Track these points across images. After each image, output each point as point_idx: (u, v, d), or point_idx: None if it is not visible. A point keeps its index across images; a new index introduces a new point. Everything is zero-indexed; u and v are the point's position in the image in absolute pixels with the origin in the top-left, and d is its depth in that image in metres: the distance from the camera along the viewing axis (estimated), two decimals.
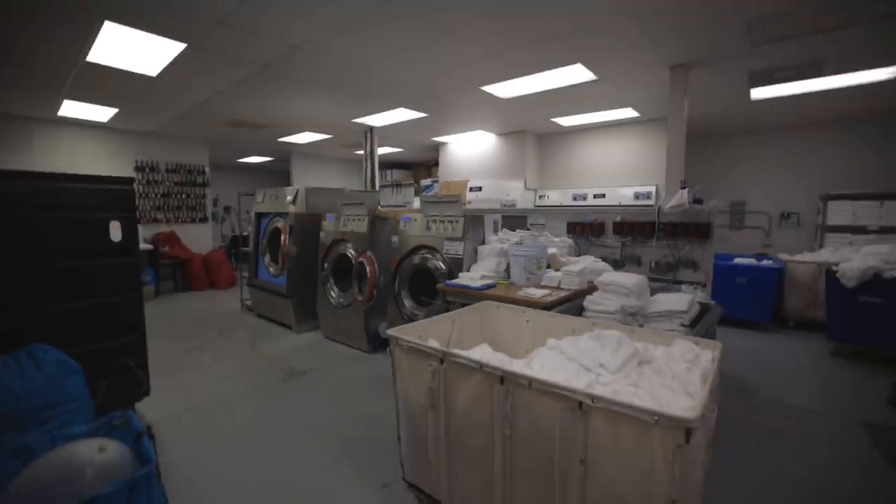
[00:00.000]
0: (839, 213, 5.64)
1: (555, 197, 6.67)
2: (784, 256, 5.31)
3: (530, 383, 1.32)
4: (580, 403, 1.23)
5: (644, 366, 1.53)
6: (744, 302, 4.96)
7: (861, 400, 3.11)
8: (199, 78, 4.31)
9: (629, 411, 1.14)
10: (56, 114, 5.68)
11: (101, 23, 3.07)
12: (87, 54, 3.61)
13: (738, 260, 5.36)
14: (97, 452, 0.91)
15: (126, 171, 6.91)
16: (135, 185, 2.55)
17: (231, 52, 3.61)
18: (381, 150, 8.37)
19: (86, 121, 6.16)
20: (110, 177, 2.38)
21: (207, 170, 7.92)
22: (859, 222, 5.45)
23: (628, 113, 5.62)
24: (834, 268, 4.11)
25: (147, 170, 7.15)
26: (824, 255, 5.06)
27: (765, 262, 5.23)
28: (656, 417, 1.10)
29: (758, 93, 4.52)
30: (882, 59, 3.67)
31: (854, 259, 4.08)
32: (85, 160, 6.52)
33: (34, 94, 4.89)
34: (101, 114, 5.70)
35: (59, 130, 6.26)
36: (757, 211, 6.55)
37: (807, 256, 5.16)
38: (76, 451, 0.91)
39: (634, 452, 1.16)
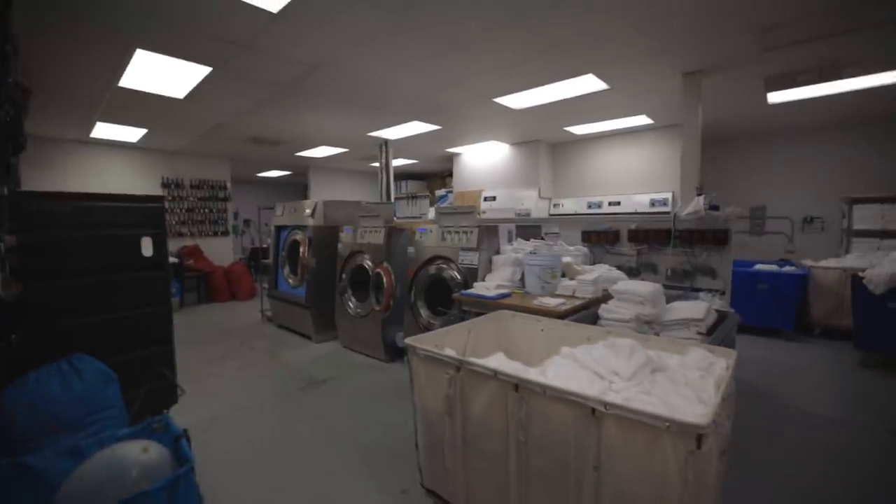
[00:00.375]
0: (866, 216, 5.48)
1: (569, 205, 6.65)
2: (808, 262, 5.18)
3: (544, 391, 1.35)
4: (593, 410, 1.26)
5: (658, 374, 1.55)
6: (766, 309, 4.85)
7: (891, 410, 3.01)
8: (223, 99, 4.51)
9: (641, 418, 1.17)
10: (89, 135, 5.99)
11: (134, 50, 3.27)
12: (119, 80, 3.83)
13: (758, 266, 5.26)
14: (141, 453, 0.98)
15: (153, 187, 7.22)
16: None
17: (253, 73, 3.79)
18: (396, 162, 8.53)
19: (116, 141, 6.47)
20: (142, 196, 2.52)
21: (229, 185, 8.19)
22: (888, 226, 5.29)
23: (642, 120, 5.62)
24: (861, 274, 4.00)
25: (172, 186, 7.44)
26: (850, 260, 4.93)
27: (787, 269, 5.11)
28: (668, 424, 1.13)
29: (775, 97, 4.48)
30: None
31: (882, 264, 3.96)
32: (115, 178, 6.83)
33: (69, 118, 5.18)
34: (132, 134, 5.99)
35: (91, 150, 6.60)
36: (778, 216, 6.41)
37: (832, 262, 5.03)
38: (123, 451, 0.99)
39: (647, 459, 1.18)
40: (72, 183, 6.39)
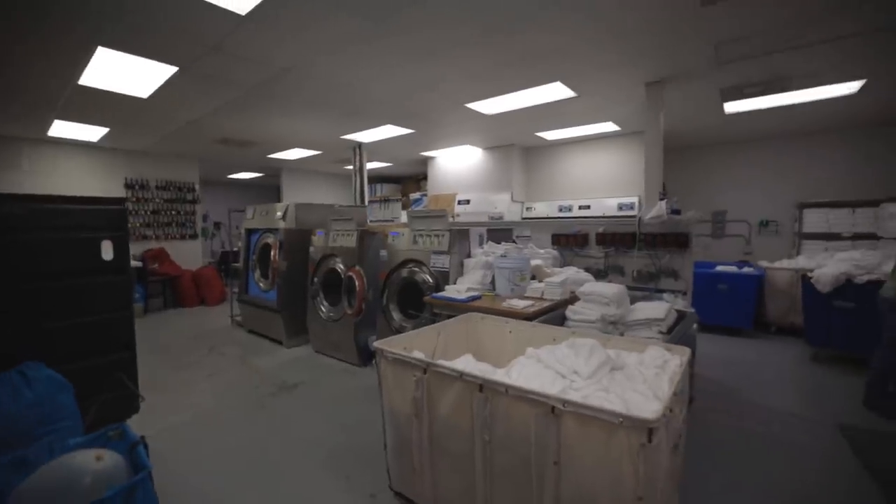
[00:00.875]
0: (814, 220, 5.84)
1: (541, 208, 6.81)
2: (764, 263, 5.47)
3: (507, 390, 1.40)
4: (553, 408, 1.31)
5: (616, 372, 1.62)
6: (726, 309, 5.09)
7: (838, 403, 3.21)
8: (190, 99, 4.40)
9: (597, 414, 1.23)
10: (46, 134, 5.72)
11: (95, 48, 3.16)
12: (79, 78, 3.69)
13: (719, 268, 5.51)
14: (95, 461, 0.96)
15: (116, 188, 6.94)
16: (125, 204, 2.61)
17: (223, 74, 3.71)
18: (371, 165, 8.49)
19: (76, 140, 6.20)
20: (103, 197, 2.44)
21: (197, 186, 7.96)
22: (833, 229, 5.65)
23: (609, 127, 5.81)
24: (809, 274, 4.25)
25: (137, 187, 7.18)
26: (801, 261, 5.23)
27: (745, 270, 5.38)
28: (621, 419, 1.19)
29: (730, 107, 4.73)
30: (843, 75, 3.88)
31: (828, 265, 4.23)
32: (75, 179, 6.54)
33: (25, 116, 4.93)
34: (92, 133, 5.75)
35: (48, 150, 6.29)
36: (737, 220, 6.75)
37: (784, 263, 5.32)
38: (75, 460, 0.96)
39: (603, 453, 1.24)
40: (28, 183, 6.07)
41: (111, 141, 6.30)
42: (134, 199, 7.12)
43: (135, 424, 1.58)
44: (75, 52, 3.22)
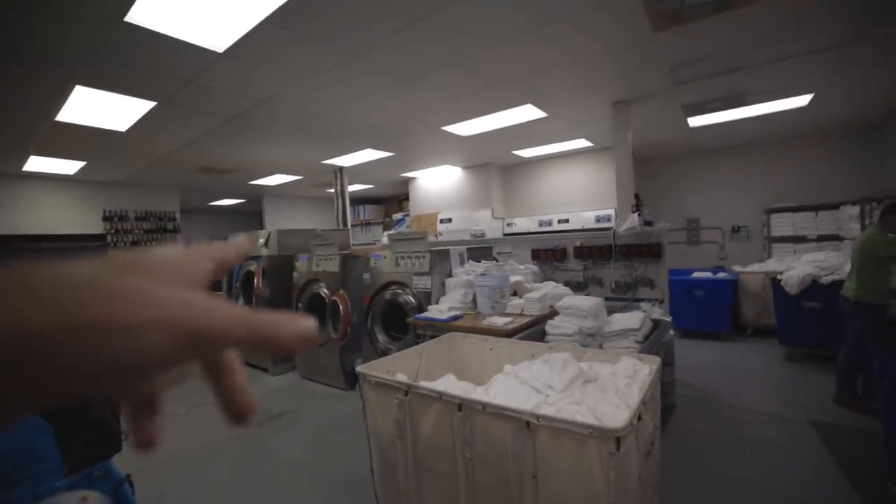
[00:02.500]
0: (782, 224, 6.10)
1: (522, 224, 6.95)
2: (737, 268, 5.67)
3: (484, 408, 1.45)
4: (528, 423, 1.37)
5: (589, 384, 1.69)
6: (703, 314, 5.25)
7: (811, 400, 3.34)
8: (169, 130, 4.43)
9: (568, 426, 1.29)
10: (21, 169, 5.65)
11: (73, 87, 3.19)
12: (56, 115, 3.70)
13: (695, 274, 5.70)
14: (80, 502, 0.98)
15: (94, 221, 6.84)
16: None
17: (201, 106, 3.78)
18: (352, 188, 8.57)
19: (52, 174, 6.13)
20: (82, 235, 2.45)
21: (178, 215, 7.91)
22: (799, 232, 5.91)
23: (583, 143, 6.03)
24: (778, 276, 4.44)
25: (116, 219, 7.09)
26: (771, 264, 5.45)
27: (720, 275, 5.57)
28: (591, 430, 1.25)
29: (694, 121, 4.97)
30: (794, 90, 4.14)
31: (795, 267, 4.43)
32: (51, 213, 6.44)
33: (0, 153, 4.89)
34: (68, 167, 5.71)
35: (24, 184, 6.20)
36: (711, 226, 7.00)
37: (756, 267, 5.53)
38: (60, 502, 0.98)
39: (576, 463, 1.30)
40: (3, 219, 5.96)
41: (88, 174, 6.25)
42: (113, 231, 7.03)
43: (119, 462, 1.58)
44: (53, 90, 3.25)
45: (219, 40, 2.67)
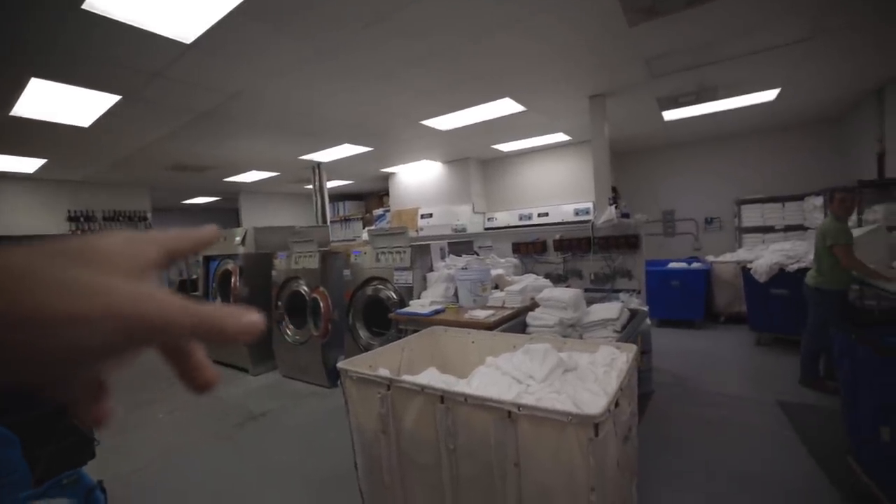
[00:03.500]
0: (751, 215, 6.32)
1: (503, 218, 7.00)
2: (710, 258, 5.85)
3: (466, 399, 1.46)
4: (509, 413, 1.38)
5: (569, 373, 1.72)
6: (679, 303, 5.40)
7: (779, 382, 3.48)
8: (136, 126, 4.27)
9: (548, 415, 1.31)
10: None
11: (28, 79, 3.03)
12: (11, 109, 3.52)
13: (671, 265, 5.84)
14: None
15: (58, 222, 6.56)
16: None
17: (170, 101, 3.65)
18: (332, 184, 8.45)
19: (9, 173, 5.83)
20: (47, 236, 2.34)
21: (149, 215, 7.65)
22: (768, 223, 6.13)
23: (561, 137, 6.09)
24: (748, 265, 4.60)
25: (82, 219, 6.81)
26: (742, 254, 5.61)
27: (695, 265, 5.73)
28: (570, 417, 1.28)
29: (668, 115, 5.09)
30: (761, 84, 4.28)
31: (763, 256, 4.59)
32: (11, 214, 6.13)
33: None
34: (27, 165, 5.44)
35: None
36: (686, 218, 7.20)
37: (728, 257, 5.71)
38: None
39: (557, 451, 1.32)
40: None
41: (50, 172, 5.97)
42: (79, 232, 6.75)
43: (93, 470, 1.52)
44: (6, 82, 3.08)
45: (185, 30, 2.58)
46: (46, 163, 5.41)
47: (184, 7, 2.34)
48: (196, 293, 5.51)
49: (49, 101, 3.43)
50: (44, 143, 4.60)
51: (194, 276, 6.74)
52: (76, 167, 5.84)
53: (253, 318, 0.26)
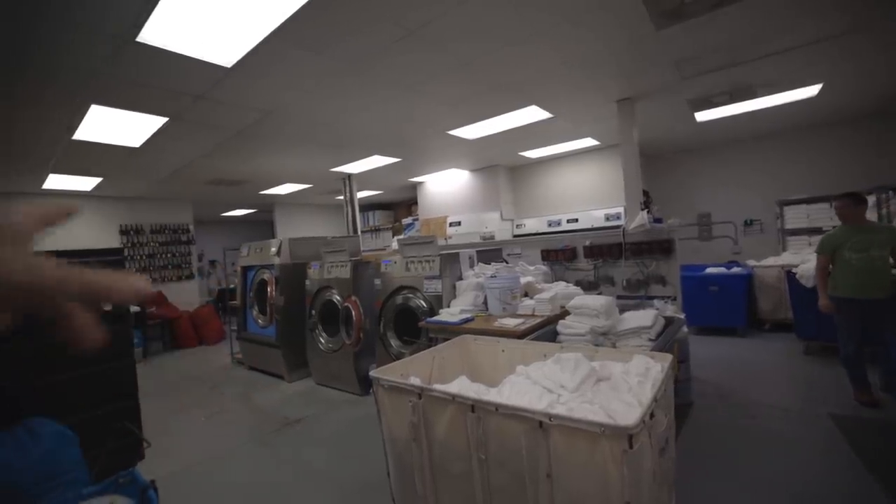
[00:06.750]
0: (795, 216, 6.00)
1: (531, 224, 6.95)
2: (751, 262, 5.58)
3: (497, 408, 1.47)
4: (540, 423, 1.38)
5: (602, 382, 1.69)
6: (718, 309, 5.18)
7: (830, 394, 3.27)
8: (180, 145, 4.54)
9: (580, 425, 1.30)
10: (41, 187, 5.83)
11: (88, 106, 3.30)
12: (73, 134, 3.82)
13: (709, 270, 5.62)
14: None
15: (111, 235, 7.02)
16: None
17: (210, 120, 3.87)
18: (361, 194, 8.65)
19: (70, 191, 6.31)
20: (101, 249, 2.53)
21: (191, 227, 8.06)
22: (814, 224, 5.80)
23: (589, 142, 6.01)
24: (794, 270, 4.37)
25: (132, 233, 7.27)
26: (786, 258, 5.35)
27: (734, 270, 5.49)
28: (603, 428, 1.26)
29: (701, 116, 4.93)
30: (801, 81, 4.09)
31: (810, 260, 4.35)
32: (70, 229, 6.60)
33: (19, 172, 5.06)
34: (86, 184, 5.88)
35: (43, 202, 6.38)
36: (723, 221, 6.91)
37: (771, 261, 5.44)
38: None
39: (590, 462, 1.30)
40: None
41: (105, 189, 6.42)
42: (129, 245, 7.21)
43: (141, 470, 1.62)
44: (70, 110, 3.36)
45: (226, 56, 2.74)
46: (102, 181, 5.83)
47: (224, 34, 2.50)
48: (234, 302, 5.75)
49: (106, 125, 3.71)
50: (100, 164, 4.97)
51: (232, 286, 7.05)
52: (128, 184, 6.25)
53: (142, 281, 0.29)
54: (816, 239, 5.57)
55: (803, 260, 4.53)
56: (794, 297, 4.36)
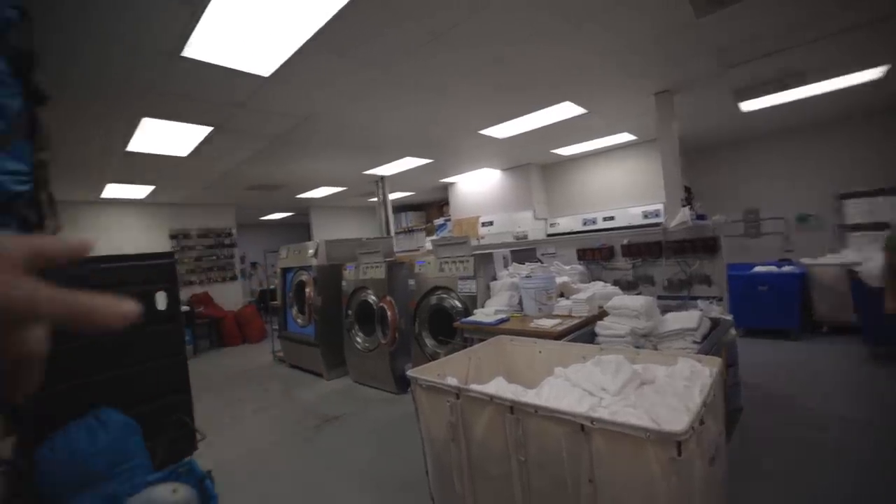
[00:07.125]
0: (857, 211, 5.57)
1: (565, 223, 6.81)
2: (806, 260, 5.23)
3: (536, 410, 1.45)
4: (582, 426, 1.35)
5: (645, 386, 1.64)
6: (769, 311, 4.88)
7: None
8: (223, 153, 4.77)
9: (624, 430, 1.26)
10: (100, 196, 6.28)
11: (140, 119, 3.52)
12: (127, 145, 4.09)
13: (757, 268, 5.31)
14: (172, 494, 1.09)
15: (162, 240, 7.47)
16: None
17: (250, 128, 4.04)
18: (394, 196, 8.77)
19: (126, 199, 6.77)
20: (155, 253, 2.69)
21: (234, 231, 8.44)
22: (878, 219, 5.36)
23: (625, 137, 5.82)
24: (856, 269, 4.06)
25: (180, 237, 7.70)
26: (848, 255, 4.97)
27: (786, 268, 5.15)
28: (648, 433, 1.22)
29: (746, 105, 4.67)
30: (861, 64, 3.79)
31: (874, 258, 4.02)
32: (124, 234, 7.09)
33: (80, 182, 5.46)
34: (140, 192, 6.28)
35: (100, 209, 6.89)
36: (773, 217, 6.51)
37: (829, 258, 5.07)
38: (155, 494, 1.10)
39: (635, 468, 1.26)
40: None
41: (156, 196, 6.84)
42: (179, 249, 7.64)
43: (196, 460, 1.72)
44: (124, 123, 3.60)
45: (265, 66, 2.85)
46: (154, 189, 6.21)
47: (263, 45, 2.60)
48: (275, 302, 5.98)
49: (156, 136, 3.95)
50: (152, 173, 5.29)
51: (272, 286, 7.32)
52: (176, 191, 6.63)
53: (125, 306, 0.27)
54: (883, 235, 5.19)
55: (867, 258, 4.19)
56: (858, 298, 4.05)
